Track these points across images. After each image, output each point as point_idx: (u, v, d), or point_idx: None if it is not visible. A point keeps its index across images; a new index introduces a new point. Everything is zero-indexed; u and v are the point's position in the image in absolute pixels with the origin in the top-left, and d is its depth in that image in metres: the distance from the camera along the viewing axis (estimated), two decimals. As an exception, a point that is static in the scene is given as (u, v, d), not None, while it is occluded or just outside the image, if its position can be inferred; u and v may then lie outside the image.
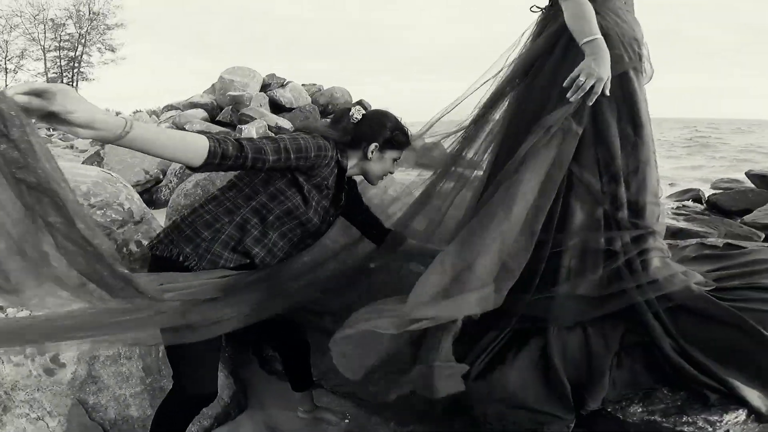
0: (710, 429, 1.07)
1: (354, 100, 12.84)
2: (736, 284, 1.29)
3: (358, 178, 1.55)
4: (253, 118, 9.55)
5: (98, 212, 2.35)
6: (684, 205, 6.06)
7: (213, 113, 11.36)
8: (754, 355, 1.12)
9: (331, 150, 1.30)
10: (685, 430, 1.07)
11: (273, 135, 1.34)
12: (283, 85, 11.73)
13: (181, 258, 1.22)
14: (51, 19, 31.99)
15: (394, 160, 1.46)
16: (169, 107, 13.96)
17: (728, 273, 1.35)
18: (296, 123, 10.40)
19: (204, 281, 1.18)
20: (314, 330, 1.62)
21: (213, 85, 13.10)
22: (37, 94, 0.80)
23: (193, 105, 11.90)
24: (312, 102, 11.75)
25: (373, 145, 1.39)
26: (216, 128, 10.14)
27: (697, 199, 6.21)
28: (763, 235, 3.44)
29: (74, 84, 33.84)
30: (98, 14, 33.05)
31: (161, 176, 6.72)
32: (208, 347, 1.22)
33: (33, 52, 32.24)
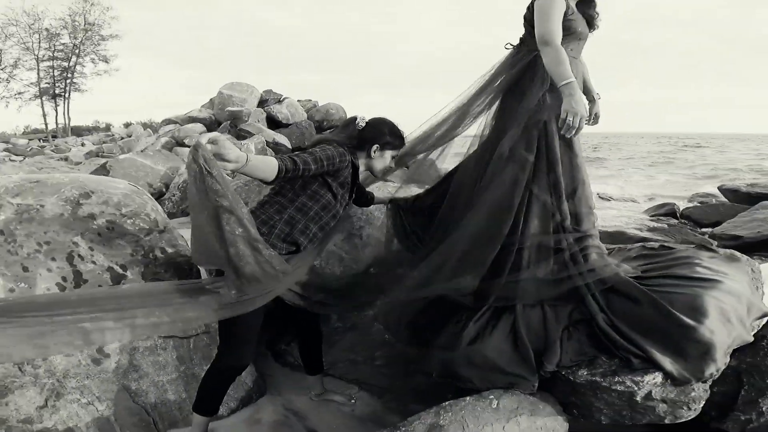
0: (635, 388, 1.36)
1: (348, 116, 13.23)
2: (657, 274, 1.60)
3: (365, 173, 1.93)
4: (251, 134, 9.78)
5: (128, 221, 2.61)
6: (659, 218, 6.43)
7: (211, 128, 11.57)
8: (665, 329, 1.41)
9: (347, 154, 1.68)
10: (618, 388, 1.37)
11: (310, 150, 1.65)
12: (279, 101, 12.01)
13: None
14: (46, 28, 31.77)
15: (393, 157, 1.83)
16: (168, 121, 14.15)
17: (654, 266, 1.68)
18: (293, 139, 10.66)
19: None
20: (324, 325, 1.89)
21: (211, 99, 13.31)
22: (211, 141, 1.27)
23: (192, 119, 12.10)
24: (308, 118, 12.03)
25: (375, 146, 1.76)
26: (214, 143, 10.41)
27: (673, 212, 6.59)
28: (715, 243, 3.82)
29: (67, 95, 33.41)
30: (93, 24, 32.77)
31: (164, 189, 6.94)
32: (253, 328, 1.57)
33: (26, 61, 32.01)
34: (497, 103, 1.76)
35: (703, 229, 5.81)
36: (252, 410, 1.81)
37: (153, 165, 7.62)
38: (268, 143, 9.43)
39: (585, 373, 1.43)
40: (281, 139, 10.30)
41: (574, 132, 1.58)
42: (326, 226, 1.70)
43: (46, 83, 32.66)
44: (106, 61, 33.87)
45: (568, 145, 1.66)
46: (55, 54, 32.58)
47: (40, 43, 31.57)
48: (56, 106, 33.90)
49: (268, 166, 1.41)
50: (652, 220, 6.20)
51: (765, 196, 6.45)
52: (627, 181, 12.61)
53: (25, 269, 2.23)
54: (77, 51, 32.89)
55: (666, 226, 5.26)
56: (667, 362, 1.36)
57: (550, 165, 1.61)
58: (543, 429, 1.33)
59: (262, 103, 11.94)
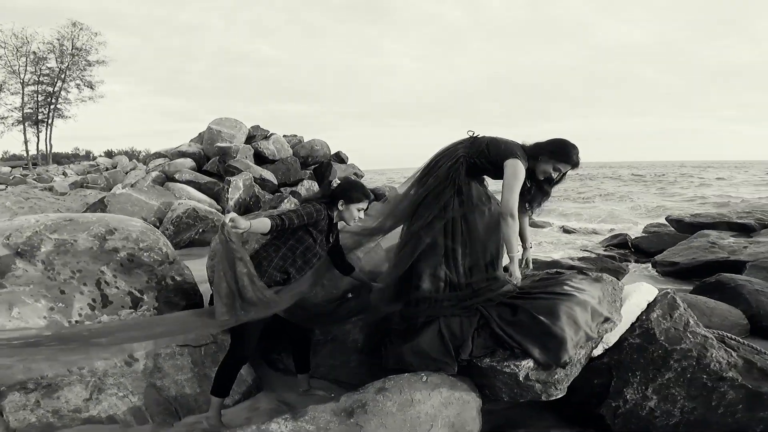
0: (517, 370, 1.94)
1: (332, 152, 13.76)
2: (538, 291, 2.20)
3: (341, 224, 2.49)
4: (239, 170, 10.20)
5: (145, 254, 3.13)
6: (611, 248, 7.14)
7: (200, 162, 11.83)
8: (533, 329, 2.01)
9: (323, 210, 2.25)
10: (507, 371, 1.94)
11: (294, 208, 2.26)
12: (266, 137, 12.47)
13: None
14: (33, 51, 30.59)
15: (359, 210, 2.31)
16: (157, 155, 14.50)
17: (543, 285, 2.28)
18: (279, 175, 11.16)
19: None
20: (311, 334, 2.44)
21: (200, 134, 13.65)
22: (231, 220, 1.94)
23: (182, 154, 12.33)
24: (293, 153, 12.51)
25: (340, 202, 2.28)
26: (204, 178, 10.80)
27: (624, 242, 7.32)
28: (627, 263, 4.55)
29: (50, 120, 31.68)
30: (81, 50, 31.70)
31: (158, 223, 7.38)
32: (255, 332, 2.17)
33: (12, 85, 30.72)
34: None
35: (653, 258, 6.45)
36: (252, 402, 2.31)
37: (147, 200, 8.08)
38: (255, 179, 9.90)
39: (488, 360, 2.01)
40: (268, 175, 10.77)
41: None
42: (310, 261, 2.28)
43: (29, 108, 31.39)
44: (92, 87, 32.83)
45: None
46: (41, 78, 31.42)
47: (26, 66, 30.53)
48: (38, 132, 32.62)
49: (264, 225, 2.08)
50: (607, 250, 6.94)
51: (705, 226, 7.18)
52: (593, 211, 13.51)
53: (62, 292, 2.74)
54: (63, 76, 31.70)
55: (594, 255, 6.03)
56: (536, 352, 1.95)
57: (465, 218, 2.29)
58: (459, 399, 1.88)
59: (249, 139, 12.31)
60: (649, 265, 6.21)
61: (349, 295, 2.64)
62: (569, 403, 2.21)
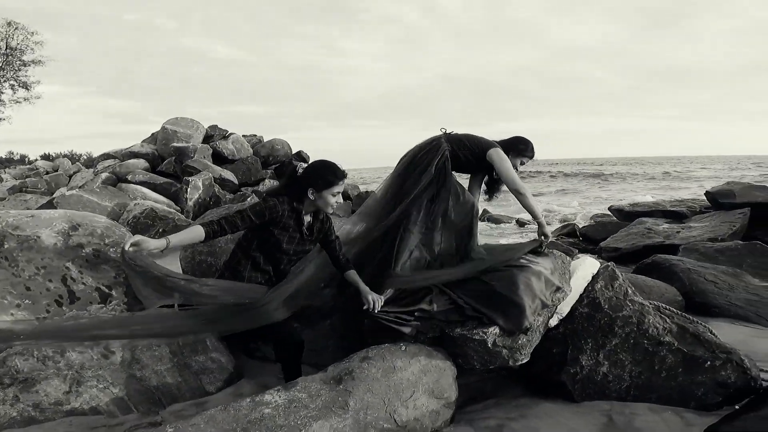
0: (486, 336, 2.12)
1: (294, 151, 13.67)
2: (498, 264, 2.40)
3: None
4: (197, 170, 9.98)
5: (111, 249, 3.09)
6: (561, 237, 7.64)
7: (154, 163, 11.44)
8: (496, 299, 2.19)
9: (281, 205, 2.06)
10: (476, 338, 2.13)
11: (242, 208, 2.09)
12: (225, 137, 12.24)
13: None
14: None
15: (334, 194, 2.07)
16: (105, 156, 13.81)
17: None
18: (239, 175, 10.98)
19: (252, 287, 2.16)
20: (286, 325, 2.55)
21: (153, 134, 13.19)
22: (134, 245, 1.82)
23: (133, 155, 11.87)
24: (254, 153, 12.31)
25: (310, 191, 2.07)
26: (160, 179, 10.46)
27: (573, 231, 7.86)
28: (577, 250, 4.97)
29: None
30: (15, 49, 29.08)
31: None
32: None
33: None
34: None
35: (598, 243, 7.01)
36: (235, 388, 2.37)
37: (99, 201, 7.75)
38: (215, 179, 9.73)
39: (459, 330, 2.20)
40: (228, 175, 10.59)
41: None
42: (285, 257, 2.16)
43: (-41, 110, 29.93)
44: (27, 88, 30.15)
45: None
46: (-28, 79, 30.09)
47: (-41, 67, 28.82)
48: (-30, 136, 31.11)
49: (195, 235, 1.94)
50: (558, 239, 7.39)
51: (642, 214, 7.82)
52: (550, 204, 14.27)
53: (28, 289, 2.70)
54: (-5, 77, 30.37)
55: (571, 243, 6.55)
56: (500, 320, 2.16)
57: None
58: (436, 366, 2.05)
59: (207, 138, 12.03)
60: (595, 251, 6.74)
61: (322, 285, 2.71)
62: (534, 373, 2.43)
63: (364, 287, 2.26)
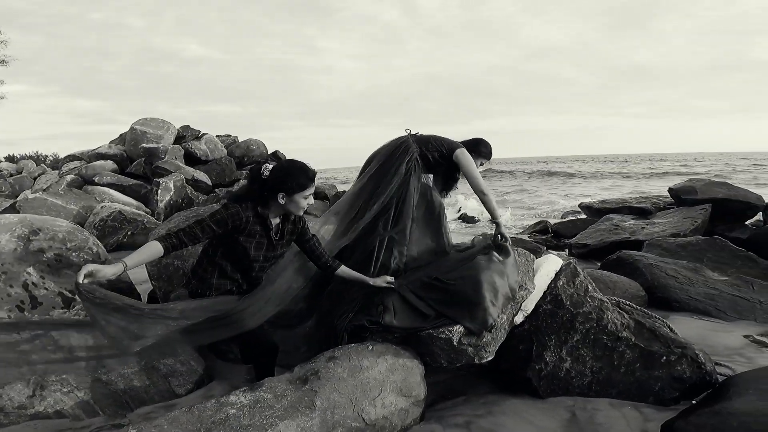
0: (451, 335, 2.15)
1: (269, 151, 13.51)
2: (460, 263, 2.44)
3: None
4: (168, 171, 9.79)
5: (73, 254, 3.02)
6: (534, 234, 7.84)
7: (123, 165, 11.12)
8: (459, 299, 2.23)
9: (245, 211, 1.93)
10: (443, 336, 2.16)
11: (201, 218, 1.93)
12: (198, 137, 11.99)
13: (200, 291, 2.05)
14: None
15: (305, 197, 1.97)
16: (71, 157, 13.38)
17: (461, 256, 2.54)
18: (212, 176, 10.81)
19: (219, 300, 2.05)
20: (259, 329, 2.55)
21: (122, 135, 12.84)
22: (87, 275, 1.64)
23: (101, 156, 11.52)
24: (228, 154, 12.13)
25: (280, 195, 1.94)
26: (129, 180, 10.20)
27: (545, 228, 8.07)
28: (545, 247, 5.07)
29: None
30: None
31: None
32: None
33: None
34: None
35: (569, 240, 7.22)
36: (205, 390, 2.35)
37: (65, 204, 7.51)
38: (187, 180, 9.56)
39: (429, 329, 2.21)
40: (201, 176, 10.42)
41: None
42: (255, 264, 2.05)
43: None
44: None
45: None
46: (-68, 81, 28.86)
47: None
48: (-72, 137, 29.65)
49: (152, 252, 1.80)
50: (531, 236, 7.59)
51: (610, 211, 8.08)
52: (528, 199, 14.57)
53: (-12, 295, 2.60)
54: (-45, 77, 29.39)
55: (516, 239, 6.77)
56: (466, 322, 2.20)
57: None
58: (404, 365, 2.08)
59: (179, 139, 11.74)
60: (566, 247, 6.94)
61: (299, 288, 2.61)
62: (500, 370, 2.47)
63: (365, 277, 2.32)
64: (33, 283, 2.79)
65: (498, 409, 2.24)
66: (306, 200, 2.00)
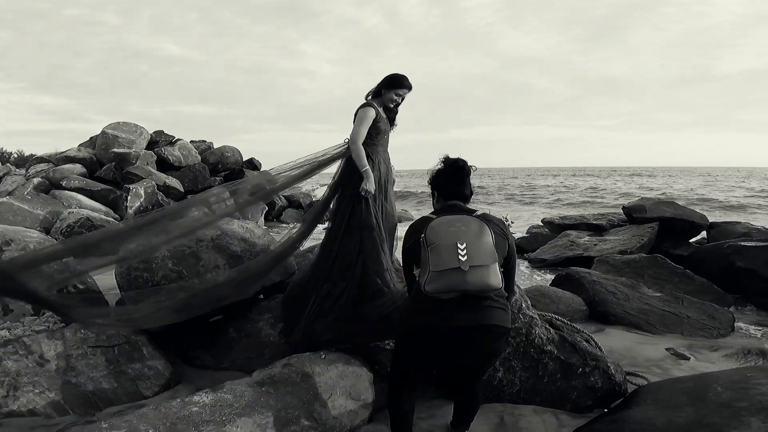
0: (390, 346, 2.45)
1: (245, 158, 13.53)
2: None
3: None
4: (139, 177, 9.76)
5: (44, 264, 3.13)
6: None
7: (92, 169, 11.02)
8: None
9: None
10: (388, 347, 2.47)
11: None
12: (172, 143, 11.94)
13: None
14: None
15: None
16: (38, 159, 13.09)
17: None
18: (185, 182, 10.76)
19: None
20: (223, 335, 2.78)
21: (92, 138, 12.65)
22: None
23: (69, 159, 11.31)
24: (202, 160, 12.07)
25: None
26: (97, 185, 10.10)
27: (507, 243, 8.42)
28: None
29: None
30: None
31: (45, 235, 6.89)
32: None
33: None
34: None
35: (528, 254, 7.62)
36: (171, 393, 2.50)
37: (31, 209, 7.45)
38: (159, 187, 9.56)
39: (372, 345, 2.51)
40: (173, 182, 10.41)
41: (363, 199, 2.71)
42: None
43: None
44: None
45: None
46: None
47: None
48: None
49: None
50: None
51: (569, 227, 8.56)
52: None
53: (-40, 303, 2.71)
54: None
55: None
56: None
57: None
58: (353, 372, 2.31)
59: (152, 144, 11.67)
60: (527, 261, 7.34)
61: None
62: (446, 379, 2.71)
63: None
64: (4, 291, 2.90)
65: (439, 413, 2.47)
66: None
